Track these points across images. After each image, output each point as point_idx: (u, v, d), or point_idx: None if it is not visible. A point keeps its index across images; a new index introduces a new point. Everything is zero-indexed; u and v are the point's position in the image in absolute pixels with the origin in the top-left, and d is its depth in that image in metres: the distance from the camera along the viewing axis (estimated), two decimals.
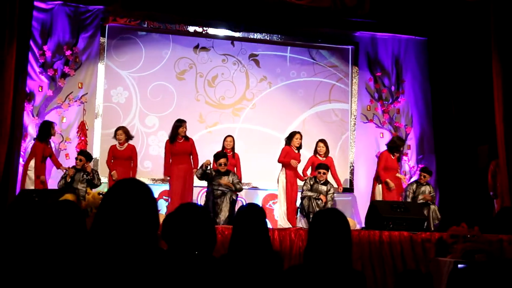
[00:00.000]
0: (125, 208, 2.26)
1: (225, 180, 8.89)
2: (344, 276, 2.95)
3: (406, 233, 7.79)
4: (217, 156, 9.02)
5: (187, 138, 9.26)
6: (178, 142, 9.17)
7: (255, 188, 10.81)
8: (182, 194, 9.03)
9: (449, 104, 11.15)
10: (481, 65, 10.36)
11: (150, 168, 10.53)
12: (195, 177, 9.24)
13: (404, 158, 11.49)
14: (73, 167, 9.14)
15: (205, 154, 9.54)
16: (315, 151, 9.77)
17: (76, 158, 9.16)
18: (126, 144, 9.42)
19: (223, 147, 9.62)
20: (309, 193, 9.06)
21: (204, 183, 9.33)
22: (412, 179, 10.59)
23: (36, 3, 9.97)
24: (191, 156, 9.33)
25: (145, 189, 2.34)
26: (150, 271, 2.23)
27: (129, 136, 9.47)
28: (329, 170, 9.41)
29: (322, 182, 9.17)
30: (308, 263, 3.00)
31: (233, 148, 9.65)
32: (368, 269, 7.47)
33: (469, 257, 6.81)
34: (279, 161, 9.44)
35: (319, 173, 9.14)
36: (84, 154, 9.22)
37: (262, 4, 10.41)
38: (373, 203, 8.60)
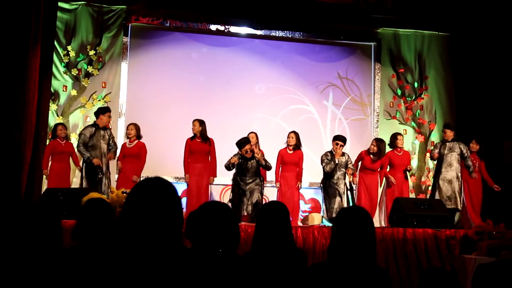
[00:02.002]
0: (150, 207, 2.27)
1: (259, 154, 8.78)
2: (368, 274, 2.94)
3: (431, 230, 7.74)
4: (241, 144, 8.83)
5: (205, 138, 9.22)
6: (196, 141, 9.17)
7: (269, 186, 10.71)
8: (197, 193, 9.02)
9: (473, 99, 11.04)
10: (505, 60, 10.24)
11: None
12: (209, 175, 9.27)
13: (428, 154, 11.41)
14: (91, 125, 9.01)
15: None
16: (368, 149, 9.70)
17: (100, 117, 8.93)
18: (135, 142, 9.32)
19: None
20: (328, 168, 8.97)
21: (226, 181, 9.30)
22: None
23: (60, 4, 10.09)
24: (209, 156, 9.30)
25: (169, 188, 2.35)
26: (174, 269, 2.24)
27: (139, 134, 9.36)
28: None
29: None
30: (332, 261, 3.00)
31: (257, 144, 9.52)
32: (392, 267, 7.44)
33: (495, 254, 6.75)
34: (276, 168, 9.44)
35: (337, 144, 9.08)
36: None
37: (284, 1, 10.41)
38: (397, 200, 8.55)
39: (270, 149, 9.87)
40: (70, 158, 9.53)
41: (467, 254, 7.36)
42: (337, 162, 8.93)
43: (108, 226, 3.25)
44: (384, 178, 9.81)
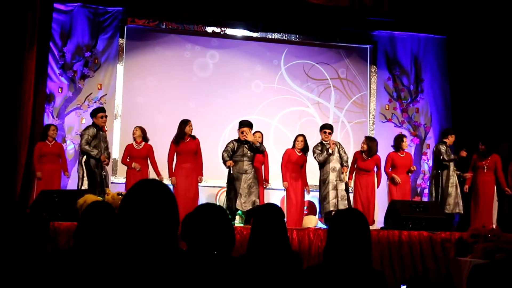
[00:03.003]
0: (145, 209, 2.27)
1: (250, 136, 8.72)
2: (363, 276, 2.94)
3: (426, 232, 7.74)
4: (243, 124, 8.84)
5: (193, 137, 9.12)
6: (185, 141, 9.04)
7: (273, 188, 10.66)
8: (186, 194, 8.85)
9: (469, 102, 11.06)
10: (501, 63, 10.27)
11: None
12: (203, 177, 9.22)
13: (423, 157, 11.43)
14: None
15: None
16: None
17: (102, 116, 9.00)
18: (143, 144, 9.32)
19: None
20: (321, 158, 9.03)
21: (221, 183, 9.26)
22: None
23: (56, 5, 10.08)
24: (196, 155, 9.13)
25: (165, 190, 2.35)
26: (169, 271, 2.24)
27: (145, 136, 9.35)
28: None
29: (328, 142, 9.13)
30: (327, 263, 3.00)
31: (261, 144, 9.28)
32: (387, 269, 7.44)
33: (490, 257, 6.75)
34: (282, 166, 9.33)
35: (325, 133, 9.14)
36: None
37: (280, 4, 10.42)
38: (392, 203, 8.55)
39: (271, 152, 9.87)
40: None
41: (462, 256, 7.36)
42: (330, 151, 8.96)
43: (109, 229, 3.25)
44: (387, 179, 9.78)
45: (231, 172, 8.65)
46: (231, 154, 8.69)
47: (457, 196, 9.54)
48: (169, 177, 9.05)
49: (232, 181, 8.65)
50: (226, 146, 8.77)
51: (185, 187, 8.92)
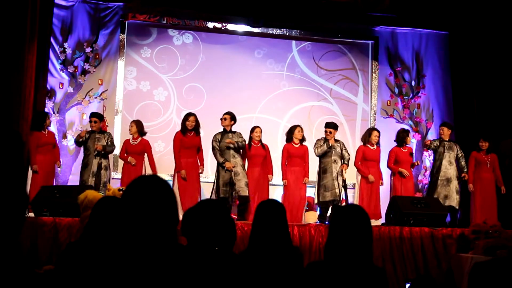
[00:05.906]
0: (145, 204, 2.27)
1: (228, 139, 8.86)
2: (365, 272, 2.93)
3: (427, 229, 7.74)
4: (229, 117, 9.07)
5: (197, 132, 9.13)
6: (188, 135, 9.00)
7: (274, 184, 10.57)
8: (191, 189, 8.86)
9: (470, 98, 11.04)
10: (503, 59, 10.24)
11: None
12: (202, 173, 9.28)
13: (425, 153, 11.41)
14: (88, 131, 9.13)
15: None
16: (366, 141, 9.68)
17: (90, 121, 9.07)
18: (139, 139, 9.24)
19: (251, 138, 9.29)
20: (319, 150, 9.05)
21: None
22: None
23: (56, 1, 10.07)
24: (199, 151, 9.17)
25: (165, 185, 2.35)
26: (169, 267, 2.23)
27: (141, 131, 9.28)
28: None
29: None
30: (328, 259, 2.99)
31: (260, 140, 9.36)
32: (389, 265, 7.44)
33: (491, 253, 6.75)
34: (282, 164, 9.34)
35: (325, 132, 9.15)
36: (97, 115, 9.17)
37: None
38: (394, 199, 8.54)
39: (272, 147, 9.85)
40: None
41: (463, 253, 7.36)
42: (330, 144, 8.98)
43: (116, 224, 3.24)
44: (390, 175, 9.76)
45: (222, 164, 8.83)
46: (219, 145, 8.88)
47: (447, 189, 9.48)
48: (176, 170, 8.97)
49: (220, 172, 8.81)
50: (213, 144, 8.95)
51: (190, 182, 8.92)
